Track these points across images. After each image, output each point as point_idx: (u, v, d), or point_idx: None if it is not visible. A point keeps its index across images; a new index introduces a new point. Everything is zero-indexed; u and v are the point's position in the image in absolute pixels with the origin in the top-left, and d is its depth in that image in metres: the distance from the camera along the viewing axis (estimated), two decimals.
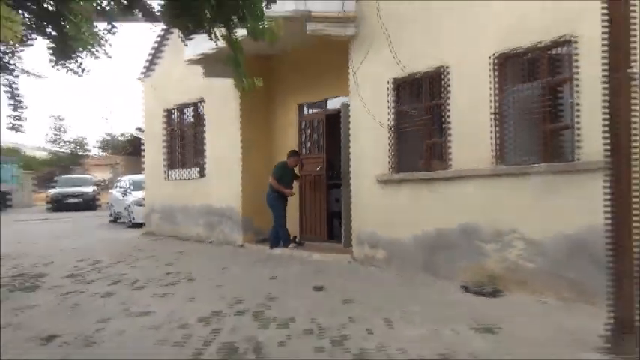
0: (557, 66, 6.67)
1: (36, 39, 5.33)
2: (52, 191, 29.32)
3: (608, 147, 4.56)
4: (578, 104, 6.22)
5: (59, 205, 27.48)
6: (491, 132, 7.13)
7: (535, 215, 6.67)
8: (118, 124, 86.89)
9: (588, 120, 6.00)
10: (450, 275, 7.52)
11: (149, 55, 15.13)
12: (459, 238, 7.51)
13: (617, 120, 4.51)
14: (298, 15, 8.51)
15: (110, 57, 3.99)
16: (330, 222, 11.24)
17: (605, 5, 4.54)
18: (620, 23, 4.50)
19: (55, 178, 33.08)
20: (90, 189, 29.36)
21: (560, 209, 6.41)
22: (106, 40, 3.91)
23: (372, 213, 8.92)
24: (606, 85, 4.59)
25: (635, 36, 4.53)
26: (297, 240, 11.13)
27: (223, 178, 12.37)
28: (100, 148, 55.88)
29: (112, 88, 76.69)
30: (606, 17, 4.56)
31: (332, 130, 10.82)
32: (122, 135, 45.93)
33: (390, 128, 8.56)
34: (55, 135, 55.33)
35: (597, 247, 5.50)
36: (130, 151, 30.81)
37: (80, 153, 55.22)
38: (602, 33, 4.59)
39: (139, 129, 21.79)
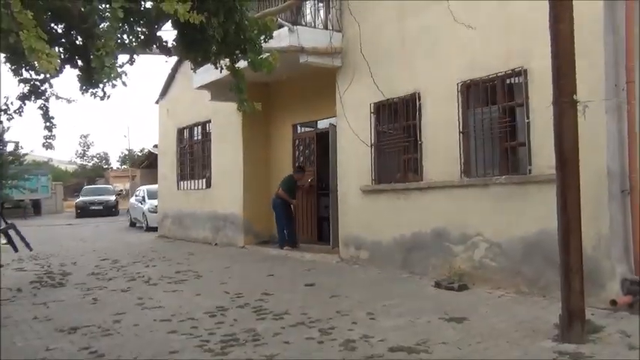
0: (513, 92, 6.72)
1: (65, 68, 5.33)
2: (78, 200, 29.14)
3: (557, 162, 4.58)
4: (530, 125, 6.28)
5: (84, 211, 27.29)
6: (458, 148, 7.17)
7: (496, 220, 6.69)
8: (137, 140, 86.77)
9: (540, 138, 6.06)
10: (424, 272, 7.52)
11: (165, 81, 15.13)
12: (431, 240, 7.51)
13: (564, 138, 4.55)
14: (293, 48, 8.51)
15: (126, 86, 3.99)
16: (321, 226, 11.23)
17: (551, 42, 4.57)
18: (565, 56, 4.55)
19: (82, 188, 32.88)
20: (111, 197, 29.19)
21: (518, 215, 6.44)
22: (125, 73, 3.92)
23: (356, 218, 8.91)
24: (554, 109, 4.63)
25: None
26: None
27: (227, 187, 12.35)
28: (120, 161, 55.81)
29: (132, 110, 76.47)
30: (553, 50, 4.60)
31: (322, 147, 10.83)
32: (141, 150, 45.86)
33: (372, 145, 8.57)
34: (83, 150, 55.26)
35: (550, 248, 5.54)
36: (146, 164, 30.64)
37: (104, 166, 55.12)
38: (551, 63, 4.64)
39: (155, 146, 21.75)
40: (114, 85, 3.92)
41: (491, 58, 6.73)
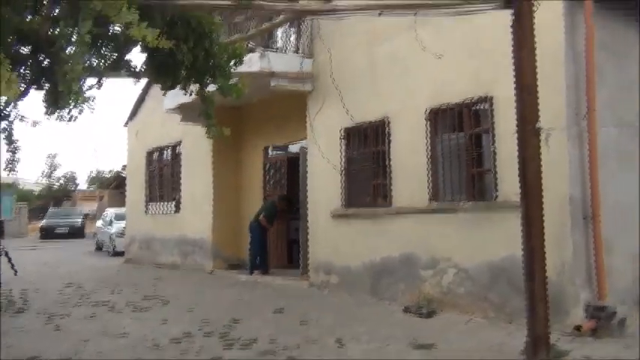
0: (480, 119, 6.87)
1: (30, 90, 5.24)
2: (43, 222, 28.39)
3: (521, 190, 4.66)
4: (496, 152, 6.41)
5: (49, 234, 26.58)
6: (426, 174, 7.26)
7: (464, 246, 6.76)
8: (106, 161, 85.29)
9: (505, 165, 6.18)
10: (394, 298, 7.52)
11: (134, 103, 15.00)
12: (400, 266, 7.54)
13: (527, 167, 4.63)
14: (264, 73, 8.56)
15: (93, 111, 3.94)
16: (291, 250, 11.17)
17: (515, 72, 4.69)
18: (527, 84, 4.66)
19: (48, 210, 32.03)
20: (78, 220, 28.54)
21: (485, 241, 6.52)
22: (92, 97, 3.87)
23: (326, 243, 8.89)
24: (518, 137, 4.73)
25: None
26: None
27: (196, 211, 12.21)
28: (88, 182, 54.61)
29: (101, 130, 75.39)
30: (517, 80, 4.72)
31: (292, 170, 10.82)
32: (110, 171, 45.02)
33: (342, 170, 8.62)
34: (50, 170, 53.95)
35: (516, 274, 5.58)
36: (115, 185, 30.10)
37: (71, 187, 53.84)
38: (515, 93, 4.75)
39: (124, 167, 21.38)
40: (80, 111, 3.87)
41: (458, 86, 6.88)
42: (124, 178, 25.85)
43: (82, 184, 54.91)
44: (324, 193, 8.95)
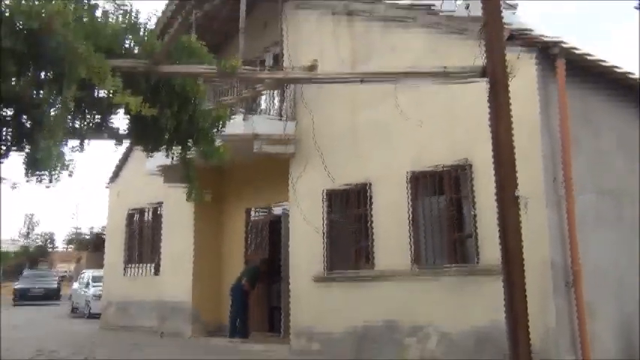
0: (459, 184, 6.95)
1: (11, 152, 5.20)
2: (16, 285, 27.46)
3: (502, 257, 4.65)
4: (476, 217, 6.46)
5: (23, 297, 25.66)
6: (408, 238, 7.25)
7: (447, 311, 6.68)
8: (85, 221, 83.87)
9: (486, 230, 6.20)
10: None
11: (117, 164, 14.96)
12: (383, 332, 7.38)
13: (508, 234, 4.65)
14: (247, 136, 8.64)
15: (71, 176, 3.91)
16: (272, 315, 10.90)
17: (492, 141, 4.79)
18: (505, 155, 4.76)
19: (23, 272, 31.07)
20: (53, 282, 27.67)
21: (468, 306, 6.46)
22: (72, 161, 3.85)
23: (307, 308, 8.71)
24: (498, 205, 4.78)
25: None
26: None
27: (176, 274, 11.94)
28: (66, 242, 53.49)
29: (82, 189, 74.62)
30: (494, 149, 4.82)
31: (275, 233, 10.73)
32: (90, 231, 44.24)
33: (324, 233, 8.57)
34: (28, 230, 52.85)
35: (500, 339, 5.48)
36: (94, 247, 29.51)
37: (48, 247, 52.66)
38: (493, 161, 4.84)
39: (105, 227, 21.05)
40: (59, 174, 3.83)
41: (438, 151, 7.01)
42: (104, 239, 25.36)
43: (60, 245, 53.86)
44: (306, 256, 8.85)
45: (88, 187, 71.30)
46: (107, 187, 15.52)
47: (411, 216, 7.28)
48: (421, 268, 7.09)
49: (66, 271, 40.01)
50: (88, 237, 40.43)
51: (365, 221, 7.99)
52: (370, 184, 7.90)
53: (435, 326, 6.76)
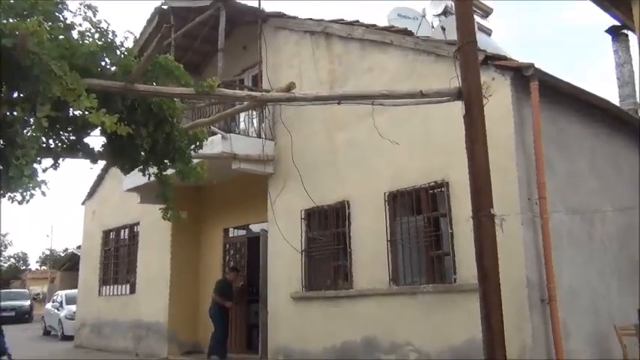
0: (437, 203, 6.98)
1: None
2: None
3: (478, 275, 4.65)
4: (453, 235, 6.48)
5: None
6: (386, 256, 7.23)
7: (426, 329, 6.66)
8: (60, 241, 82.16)
9: (462, 248, 6.23)
10: None
11: (93, 182, 14.74)
12: (361, 350, 7.32)
13: (484, 252, 4.65)
14: (225, 155, 8.57)
15: (45, 195, 3.80)
16: (250, 334, 10.73)
17: (468, 161, 4.82)
18: (481, 174, 4.78)
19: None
20: (25, 302, 26.88)
21: (446, 323, 6.45)
22: (45, 182, 3.75)
23: (286, 326, 8.60)
24: (474, 223, 4.78)
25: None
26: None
27: (152, 293, 11.72)
28: (40, 262, 52.23)
29: (57, 208, 73.19)
30: (470, 169, 4.84)
31: (253, 251, 10.62)
32: (64, 251, 43.30)
33: (302, 252, 8.51)
34: (0, 250, 51.48)
35: (477, 357, 5.46)
36: (68, 266, 28.84)
37: (21, 267, 51.36)
38: (469, 180, 4.86)
39: (80, 247, 20.56)
40: (32, 195, 3.72)
41: (415, 171, 7.04)
42: (78, 259, 24.81)
43: (34, 264, 52.60)
44: (285, 274, 8.76)
45: (63, 206, 69.94)
46: (83, 205, 15.25)
47: (389, 235, 7.28)
48: (399, 287, 7.07)
49: (39, 293, 38.99)
50: (62, 256, 39.61)
51: (343, 240, 7.96)
52: (348, 204, 7.89)
53: (414, 344, 6.72)
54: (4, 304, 25.65)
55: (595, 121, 7.53)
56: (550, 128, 6.64)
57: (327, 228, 8.30)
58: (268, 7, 9.82)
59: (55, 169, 4.89)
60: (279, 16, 9.63)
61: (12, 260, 52.41)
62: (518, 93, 6.32)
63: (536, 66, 6.21)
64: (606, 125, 7.78)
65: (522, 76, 6.30)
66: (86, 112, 3.68)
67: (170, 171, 5.30)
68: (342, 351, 7.59)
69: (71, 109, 4.05)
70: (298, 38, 9.25)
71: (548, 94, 6.55)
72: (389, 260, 7.20)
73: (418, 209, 7.09)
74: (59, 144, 4.81)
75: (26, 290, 32.36)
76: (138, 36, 11.15)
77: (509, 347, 4.69)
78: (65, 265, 29.30)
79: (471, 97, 4.95)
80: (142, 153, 4.87)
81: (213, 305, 10.21)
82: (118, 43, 4.10)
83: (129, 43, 4.37)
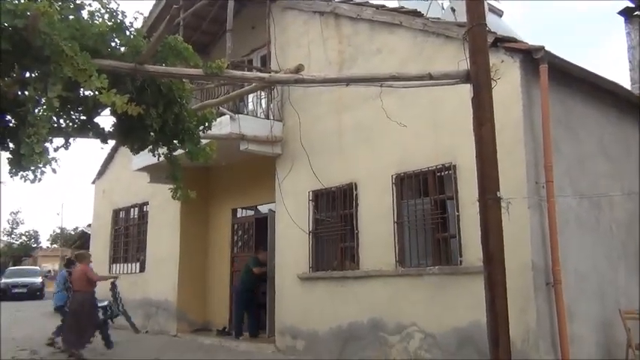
0: (444, 185, 6.99)
1: None
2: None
3: (484, 257, 4.69)
4: (459, 217, 6.51)
5: (5, 295, 25.29)
6: (393, 238, 7.28)
7: (430, 310, 6.73)
8: (71, 219, 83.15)
9: (469, 230, 6.26)
10: None
11: (103, 162, 14.86)
12: (368, 331, 7.41)
13: (489, 235, 4.69)
14: (234, 136, 8.60)
15: (55, 172, 3.88)
16: (258, 313, 10.87)
17: (476, 144, 4.83)
18: (488, 157, 4.79)
19: (5, 269, 30.68)
20: (37, 280, 27.30)
21: (451, 305, 6.51)
22: (56, 159, 3.82)
23: (293, 307, 8.71)
24: (480, 205, 4.81)
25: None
26: (226, 330, 10.69)
27: (162, 272, 11.88)
28: (51, 240, 52.95)
29: (68, 187, 73.84)
30: (477, 152, 4.85)
31: (261, 232, 10.70)
32: (74, 229, 43.82)
33: (310, 233, 8.57)
34: (12, 227, 52.20)
35: (481, 340, 5.55)
36: (79, 244, 29.22)
37: (32, 245, 52.11)
38: (476, 162, 4.88)
39: (90, 225, 20.73)
40: (42, 172, 3.80)
41: (422, 153, 7.05)
42: (89, 237, 25.05)
43: (45, 242, 53.32)
44: (292, 255, 8.85)
45: (73, 184, 70.54)
46: (93, 184, 15.40)
47: (395, 217, 7.31)
48: (405, 268, 7.13)
49: (50, 270, 39.59)
50: (72, 234, 40.13)
51: (350, 221, 8.01)
52: (356, 185, 7.93)
53: (418, 326, 6.80)
54: (16, 280, 26.14)
55: (605, 104, 7.47)
56: (559, 111, 6.61)
57: (335, 209, 8.35)
58: None
59: (67, 148, 4.98)
60: None
61: (23, 238, 53.17)
62: (527, 75, 6.28)
63: (546, 49, 6.16)
64: (616, 108, 7.72)
65: (532, 58, 6.25)
66: (97, 93, 3.72)
67: (179, 151, 5.37)
68: (348, 331, 7.69)
69: (82, 89, 4.09)
70: (307, 18, 9.21)
71: (557, 77, 6.50)
72: (395, 242, 7.25)
73: (425, 191, 7.11)
74: (70, 124, 4.88)
75: (38, 267, 32.84)
76: (147, 15, 11.19)
77: (513, 329, 4.76)
78: (76, 244, 29.64)
79: (479, 80, 4.95)
80: (152, 133, 4.94)
81: (239, 287, 10.16)
82: (127, 23, 4.12)
83: (138, 24, 4.40)
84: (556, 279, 5.91)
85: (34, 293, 25.73)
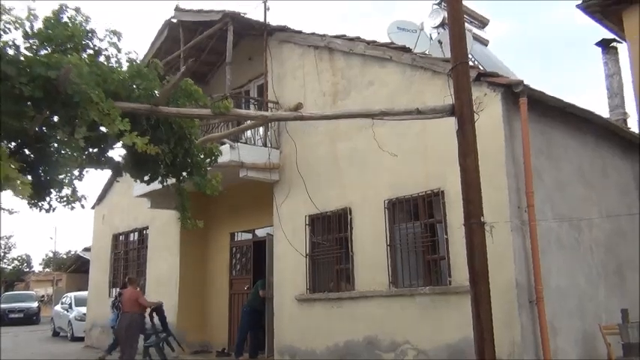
0: (433, 210, 7.42)
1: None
2: None
3: (470, 278, 5.08)
4: (448, 240, 6.94)
5: (2, 320, 25.30)
6: (386, 260, 7.68)
7: (423, 328, 7.10)
8: (63, 243, 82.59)
9: (457, 252, 6.67)
10: None
11: (103, 187, 15.21)
12: (363, 349, 7.76)
13: (474, 257, 5.09)
14: (233, 163, 9.02)
15: (84, 207, 4.27)
16: (258, 334, 11.16)
17: (461, 173, 5.27)
18: (472, 185, 5.22)
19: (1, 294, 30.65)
20: (33, 304, 27.34)
21: (442, 323, 6.89)
22: (84, 196, 4.24)
23: (291, 327, 9.04)
24: (465, 229, 5.23)
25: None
26: (225, 351, 10.98)
27: (162, 295, 12.10)
28: (43, 264, 52.65)
29: (59, 211, 73.53)
30: (462, 180, 5.29)
31: (259, 255, 11.07)
32: (67, 253, 43.76)
33: (307, 255, 8.96)
34: (4, 252, 51.90)
35: (471, 354, 5.86)
36: (74, 268, 29.33)
37: (24, 269, 51.76)
38: (462, 190, 5.31)
39: (85, 249, 20.94)
40: (72, 208, 4.21)
41: (412, 180, 7.49)
42: (84, 262, 25.17)
43: (37, 267, 52.98)
44: (290, 277, 9.21)
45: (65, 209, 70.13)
46: (93, 209, 15.72)
47: (388, 240, 7.72)
48: (398, 289, 7.52)
49: (43, 295, 39.41)
50: (65, 258, 40.08)
51: (346, 244, 8.41)
52: (350, 210, 8.35)
53: (412, 343, 7.17)
54: (13, 305, 26.18)
55: (582, 131, 7.97)
56: (540, 139, 7.10)
57: (330, 233, 8.74)
58: (273, 22, 10.28)
59: (80, 179, 5.36)
60: (284, 30, 10.10)
61: (15, 262, 52.86)
62: (508, 107, 6.76)
63: (525, 83, 6.67)
64: (593, 135, 8.21)
65: (512, 91, 6.75)
66: (119, 135, 4.14)
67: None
68: (344, 350, 8.04)
69: (104, 129, 4.50)
70: (302, 51, 9.72)
71: (537, 107, 7.00)
72: (388, 264, 7.65)
73: (416, 216, 7.54)
74: (86, 159, 5.29)
75: (34, 292, 32.79)
76: (149, 47, 11.69)
77: (499, 344, 5.14)
78: (71, 268, 29.74)
79: (463, 114, 5.40)
80: (162, 167, 5.33)
81: (248, 308, 10.45)
82: (144, 69, 4.56)
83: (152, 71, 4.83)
84: (538, 296, 6.32)
85: (30, 318, 25.80)
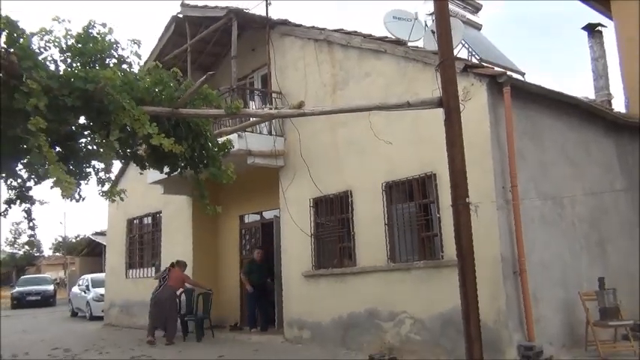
0: (427, 191, 8.06)
1: None
2: (14, 290, 28.08)
3: (457, 254, 5.73)
4: (440, 219, 7.59)
5: (20, 302, 26.32)
6: (384, 238, 8.35)
7: (418, 299, 7.80)
8: (72, 227, 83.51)
9: (449, 230, 7.22)
10: (360, 348, 8.42)
11: (116, 174, 15.81)
12: (365, 319, 8.49)
13: (461, 234, 5.74)
14: (241, 152, 9.63)
15: (122, 200, 4.95)
16: (268, 309, 11.90)
17: (448, 159, 5.88)
18: (458, 170, 5.84)
19: (18, 277, 31.62)
20: (49, 287, 28.30)
21: (435, 294, 7.58)
22: (124, 190, 4.97)
23: (299, 301, 9.77)
24: (453, 210, 5.86)
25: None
26: (237, 325, 11.75)
27: None
28: (53, 249, 53.69)
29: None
30: (450, 165, 5.90)
31: (267, 236, 11.77)
32: (76, 237, 44.64)
33: (312, 235, 9.64)
34: (14, 238, 52.89)
35: (460, 321, 6.59)
36: (86, 252, 30.20)
37: (35, 254, 52.79)
38: (449, 174, 5.92)
39: (99, 233, 21.67)
40: (113, 201, 4.89)
41: (407, 164, 8.12)
42: (96, 245, 25.97)
43: (47, 251, 54.02)
44: (296, 255, 9.91)
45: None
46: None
47: (386, 219, 8.39)
48: (395, 264, 8.20)
49: (55, 278, 40.43)
50: (74, 242, 41.00)
51: (347, 224, 9.08)
52: (351, 193, 8.99)
53: (409, 312, 7.88)
54: (30, 288, 27.14)
55: (568, 114, 8.53)
56: (524, 124, 7.69)
57: (333, 214, 9.41)
58: (275, 15, 10.80)
59: (108, 172, 6.01)
60: (285, 23, 10.62)
61: (26, 247, 53.92)
62: (493, 96, 7.34)
63: (508, 73, 7.24)
64: (578, 117, 8.77)
65: (497, 81, 7.32)
66: (148, 137, 4.78)
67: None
68: (348, 321, 8.77)
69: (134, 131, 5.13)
70: (303, 44, 10.27)
71: (522, 94, 7.58)
72: (387, 241, 8.32)
73: (411, 197, 8.19)
74: (115, 154, 5.93)
75: (49, 275, 33.79)
76: (156, 42, 12.23)
77: (487, 312, 5.80)
78: (84, 251, 30.60)
79: (450, 106, 5.98)
80: (181, 160, 5.98)
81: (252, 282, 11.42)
82: (166, 77, 5.18)
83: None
84: (522, 269, 6.98)
85: (47, 300, 26.73)
